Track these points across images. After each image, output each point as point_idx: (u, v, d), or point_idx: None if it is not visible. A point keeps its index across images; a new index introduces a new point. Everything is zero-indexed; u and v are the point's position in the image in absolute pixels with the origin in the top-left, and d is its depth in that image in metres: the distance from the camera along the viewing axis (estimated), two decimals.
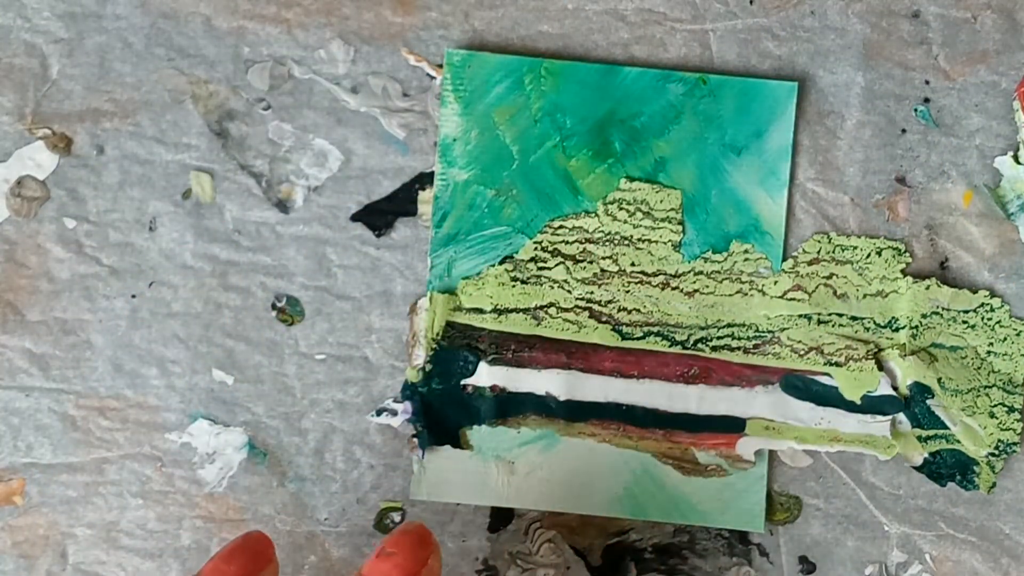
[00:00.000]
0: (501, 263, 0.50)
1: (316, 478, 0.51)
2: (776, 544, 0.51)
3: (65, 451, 0.50)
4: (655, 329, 0.50)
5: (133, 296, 0.50)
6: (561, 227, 0.50)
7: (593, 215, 0.50)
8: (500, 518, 0.51)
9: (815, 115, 0.51)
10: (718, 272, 0.50)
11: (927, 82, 0.51)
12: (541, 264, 0.50)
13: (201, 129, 0.51)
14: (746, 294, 0.50)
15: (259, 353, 0.51)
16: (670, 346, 0.50)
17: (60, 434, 0.50)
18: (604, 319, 0.50)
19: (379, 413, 0.50)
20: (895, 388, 0.50)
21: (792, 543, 0.51)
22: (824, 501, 0.51)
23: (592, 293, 0.50)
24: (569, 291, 0.50)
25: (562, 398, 0.50)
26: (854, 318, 0.50)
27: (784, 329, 0.50)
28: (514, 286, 0.50)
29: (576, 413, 0.50)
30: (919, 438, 0.50)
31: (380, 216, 0.51)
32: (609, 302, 0.50)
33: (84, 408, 0.50)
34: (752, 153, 0.50)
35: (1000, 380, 0.50)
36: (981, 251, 0.51)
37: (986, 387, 0.50)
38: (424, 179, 0.51)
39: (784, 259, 0.50)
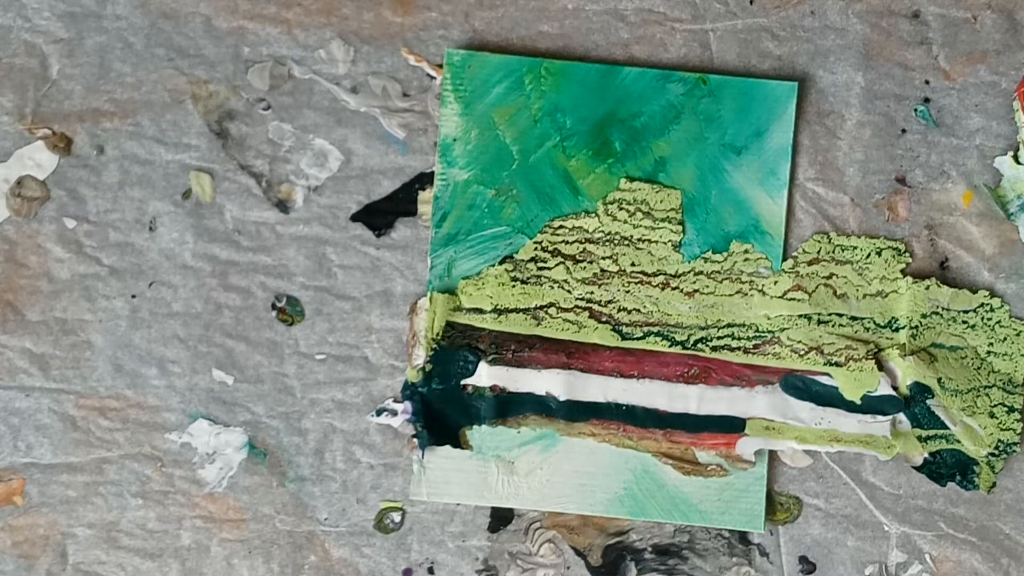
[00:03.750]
0: (501, 263, 0.50)
1: (316, 478, 0.51)
2: (776, 544, 0.51)
3: (65, 451, 0.50)
4: (655, 329, 0.50)
5: (133, 296, 0.50)
6: (561, 227, 0.50)
7: (593, 215, 0.50)
8: (500, 518, 0.51)
9: (815, 115, 0.51)
10: (718, 272, 0.50)
11: (927, 82, 0.51)
12: (541, 264, 0.50)
13: (201, 129, 0.51)
14: (746, 294, 0.50)
15: (259, 353, 0.51)
16: (670, 346, 0.50)
17: (60, 434, 0.50)
18: (604, 319, 0.50)
19: (379, 413, 0.50)
20: (895, 388, 0.50)
21: (792, 543, 0.51)
22: (824, 501, 0.51)
23: (592, 293, 0.50)
24: (569, 291, 0.50)
25: (562, 398, 0.50)
26: (854, 318, 0.50)
27: (784, 329, 0.50)
28: (514, 286, 0.50)
29: (576, 413, 0.50)
30: (919, 438, 0.50)
31: (380, 216, 0.51)
32: (609, 302, 0.50)
33: (84, 408, 0.50)
34: (752, 153, 0.50)
35: (1000, 380, 0.50)
36: (981, 251, 0.51)
37: (986, 387, 0.50)
38: (424, 179, 0.51)
39: (784, 259, 0.50)
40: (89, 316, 0.50)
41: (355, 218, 0.51)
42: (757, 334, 0.50)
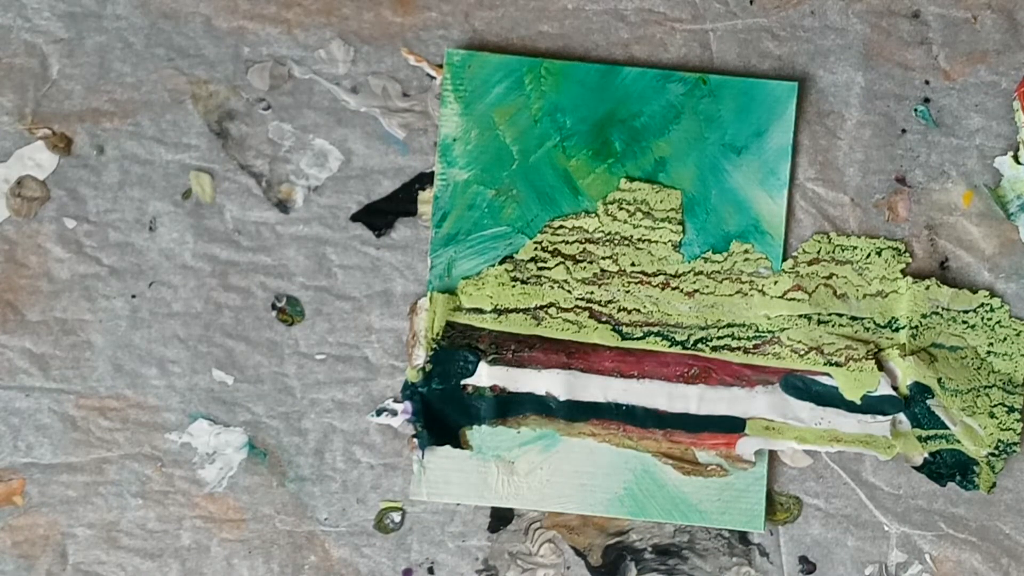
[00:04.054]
0: (501, 263, 0.50)
1: (316, 478, 0.51)
2: (776, 544, 0.51)
3: (65, 451, 0.50)
4: (655, 329, 0.50)
5: (133, 296, 0.50)
6: (561, 227, 0.50)
7: (593, 215, 0.50)
8: (500, 518, 0.51)
9: (815, 115, 0.51)
10: (718, 272, 0.50)
11: (927, 82, 0.51)
12: (541, 264, 0.50)
13: (201, 129, 0.51)
14: (746, 294, 0.50)
15: (259, 353, 0.51)
16: (670, 346, 0.50)
17: (60, 434, 0.50)
18: (604, 319, 0.50)
19: (379, 413, 0.50)
20: (895, 388, 0.50)
21: (792, 543, 0.51)
22: (824, 501, 0.51)
23: (592, 293, 0.50)
24: (569, 291, 0.50)
25: (562, 398, 0.50)
26: (854, 318, 0.50)
27: (784, 329, 0.50)
28: (514, 286, 0.50)
29: (576, 413, 0.50)
30: (919, 438, 0.50)
31: (380, 216, 0.51)
32: (609, 302, 0.50)
33: (84, 408, 0.50)
34: (752, 153, 0.50)
35: (1000, 380, 0.50)
36: (981, 251, 0.51)
37: (986, 387, 0.50)
38: (424, 179, 0.51)
39: (784, 259, 0.50)
40: (89, 316, 0.50)
41: (355, 218, 0.51)
42: (757, 334, 0.50)
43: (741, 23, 0.51)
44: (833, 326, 0.50)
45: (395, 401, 0.50)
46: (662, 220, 0.50)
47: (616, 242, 0.50)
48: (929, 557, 0.51)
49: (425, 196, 0.51)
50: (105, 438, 0.50)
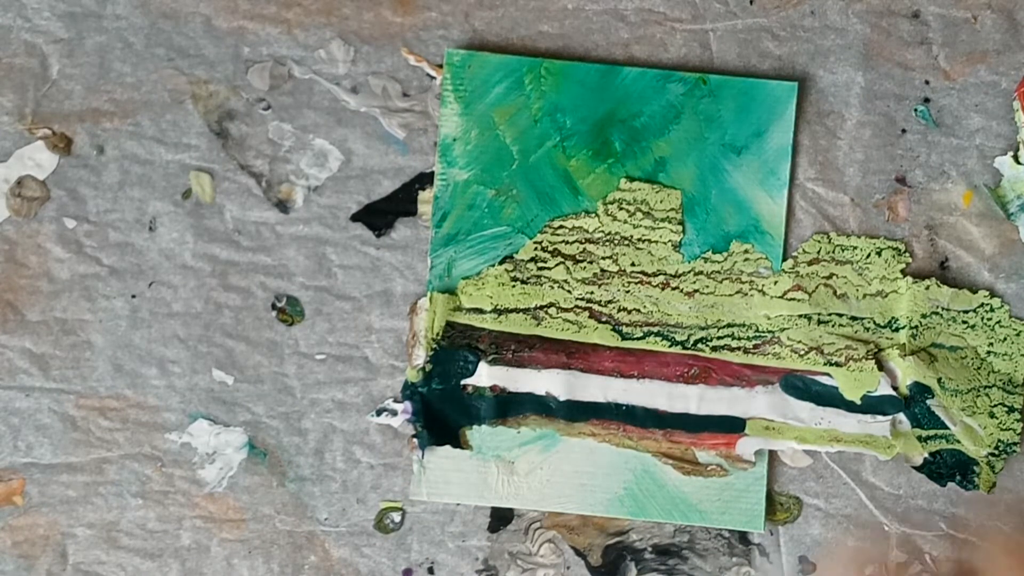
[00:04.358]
0: (501, 263, 0.50)
1: (316, 478, 0.51)
2: (776, 544, 0.51)
3: (65, 451, 0.50)
4: (655, 329, 0.50)
5: (133, 296, 0.50)
6: (561, 227, 0.50)
7: (593, 215, 0.50)
8: (500, 518, 0.51)
9: (815, 115, 0.51)
10: (718, 272, 0.50)
11: (927, 82, 0.51)
12: (541, 264, 0.50)
13: (201, 129, 0.51)
14: (746, 294, 0.50)
15: (259, 353, 0.51)
16: (670, 346, 0.50)
17: (60, 434, 0.50)
18: (604, 319, 0.50)
19: (379, 413, 0.50)
20: (895, 388, 0.50)
21: (792, 543, 0.51)
22: (824, 501, 0.51)
23: (592, 293, 0.50)
24: (569, 291, 0.50)
25: (562, 398, 0.50)
26: (854, 318, 0.50)
27: (784, 329, 0.50)
28: (514, 286, 0.50)
29: (576, 413, 0.50)
30: (919, 438, 0.50)
31: (380, 216, 0.51)
32: (609, 302, 0.50)
33: (84, 408, 0.50)
34: (752, 153, 0.50)
35: (1000, 380, 0.50)
36: (981, 251, 0.51)
37: (986, 387, 0.50)
38: (424, 179, 0.51)
39: (784, 259, 0.50)
40: (89, 316, 0.50)
41: (355, 218, 0.51)
42: (757, 334, 0.50)
43: (741, 23, 0.51)
44: (833, 326, 0.50)
45: (395, 401, 0.50)
46: (662, 220, 0.50)
47: (616, 242, 0.50)
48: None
49: (425, 196, 0.51)
50: (105, 438, 0.50)
